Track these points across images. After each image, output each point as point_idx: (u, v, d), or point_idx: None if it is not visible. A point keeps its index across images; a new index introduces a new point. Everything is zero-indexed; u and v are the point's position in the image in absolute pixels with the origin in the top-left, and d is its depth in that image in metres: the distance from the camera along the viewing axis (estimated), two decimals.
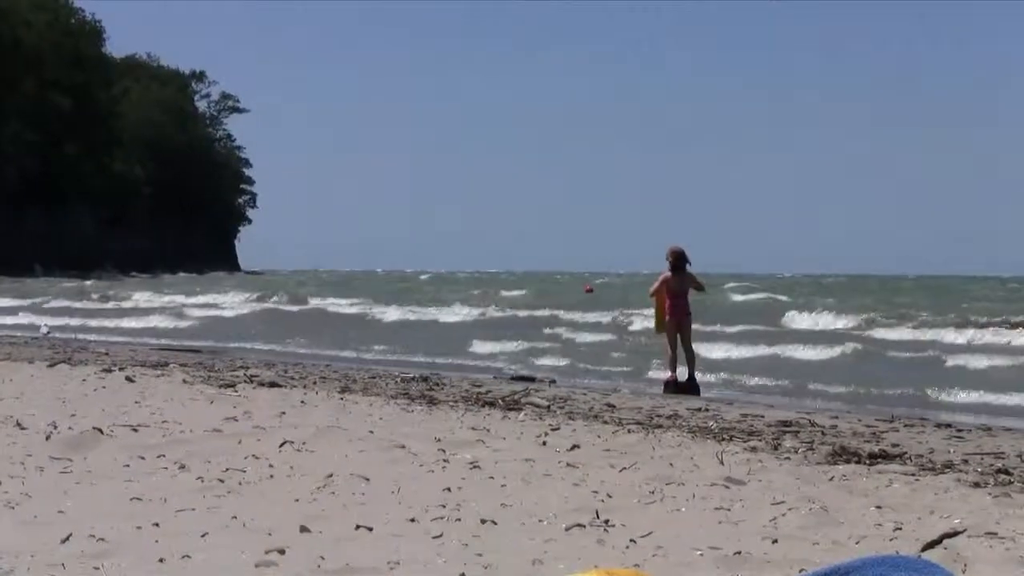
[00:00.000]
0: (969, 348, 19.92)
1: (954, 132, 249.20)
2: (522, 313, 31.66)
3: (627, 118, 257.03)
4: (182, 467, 6.46)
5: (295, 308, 36.31)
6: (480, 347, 20.97)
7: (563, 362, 18.67)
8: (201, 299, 40.92)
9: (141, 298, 41.41)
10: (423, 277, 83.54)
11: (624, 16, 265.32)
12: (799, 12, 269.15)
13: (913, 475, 6.86)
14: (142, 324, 29.20)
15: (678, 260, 14.29)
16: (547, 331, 24.61)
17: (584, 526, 5.15)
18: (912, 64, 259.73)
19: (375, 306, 34.80)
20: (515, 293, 45.69)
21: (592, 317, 28.69)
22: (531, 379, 14.82)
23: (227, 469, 6.41)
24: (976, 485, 6.53)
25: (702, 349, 16.61)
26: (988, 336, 22.03)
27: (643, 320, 26.32)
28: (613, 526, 5.17)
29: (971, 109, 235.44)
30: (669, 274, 14.32)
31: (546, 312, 30.87)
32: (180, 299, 40.59)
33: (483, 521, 5.22)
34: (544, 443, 7.90)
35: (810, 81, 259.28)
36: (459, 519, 5.27)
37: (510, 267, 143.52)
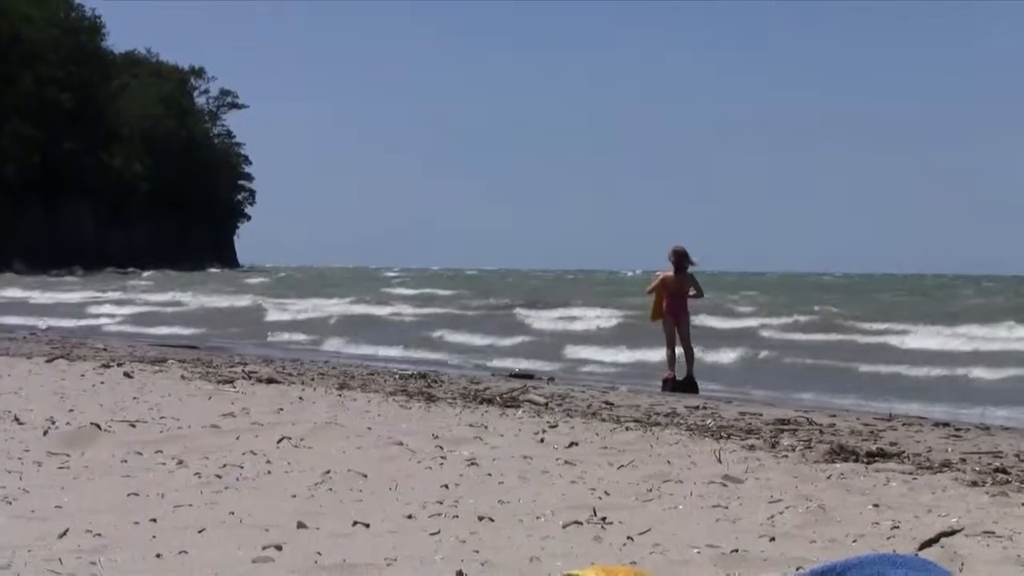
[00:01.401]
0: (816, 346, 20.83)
1: (958, 133, 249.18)
2: (419, 310, 32.43)
3: (627, 120, 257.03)
4: (180, 463, 6.46)
5: (225, 304, 36.24)
6: (332, 344, 22.62)
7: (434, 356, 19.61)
8: (117, 295, 40.66)
9: (71, 296, 40.78)
10: (390, 274, 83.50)
11: (626, 17, 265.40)
12: (797, 14, 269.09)
13: (911, 474, 6.86)
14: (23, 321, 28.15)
15: (681, 260, 14.37)
16: (425, 334, 24.99)
17: (582, 523, 5.15)
18: (912, 64, 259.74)
19: (288, 303, 35.48)
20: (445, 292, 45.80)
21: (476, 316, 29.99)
22: (529, 376, 14.85)
23: (224, 465, 6.41)
24: (974, 484, 6.54)
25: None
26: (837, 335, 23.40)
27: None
28: (611, 523, 5.17)
29: (974, 109, 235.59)
30: (671, 273, 14.39)
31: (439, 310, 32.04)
32: (93, 294, 40.65)
33: (480, 518, 5.21)
34: (542, 440, 7.91)
35: (811, 82, 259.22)
36: (456, 516, 5.27)
37: (513, 265, 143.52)
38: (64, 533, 4.68)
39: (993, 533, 5.10)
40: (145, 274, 72.02)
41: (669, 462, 7.04)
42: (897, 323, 24.61)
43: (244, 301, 37.14)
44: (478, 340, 23.10)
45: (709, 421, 9.63)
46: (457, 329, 25.07)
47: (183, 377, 11.66)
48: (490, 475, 6.38)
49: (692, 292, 14.46)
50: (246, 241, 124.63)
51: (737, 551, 4.70)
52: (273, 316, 31.39)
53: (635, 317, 26.83)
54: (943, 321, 24.45)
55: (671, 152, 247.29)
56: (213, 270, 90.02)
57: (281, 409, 9.07)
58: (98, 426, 7.50)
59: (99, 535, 4.69)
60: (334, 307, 33.57)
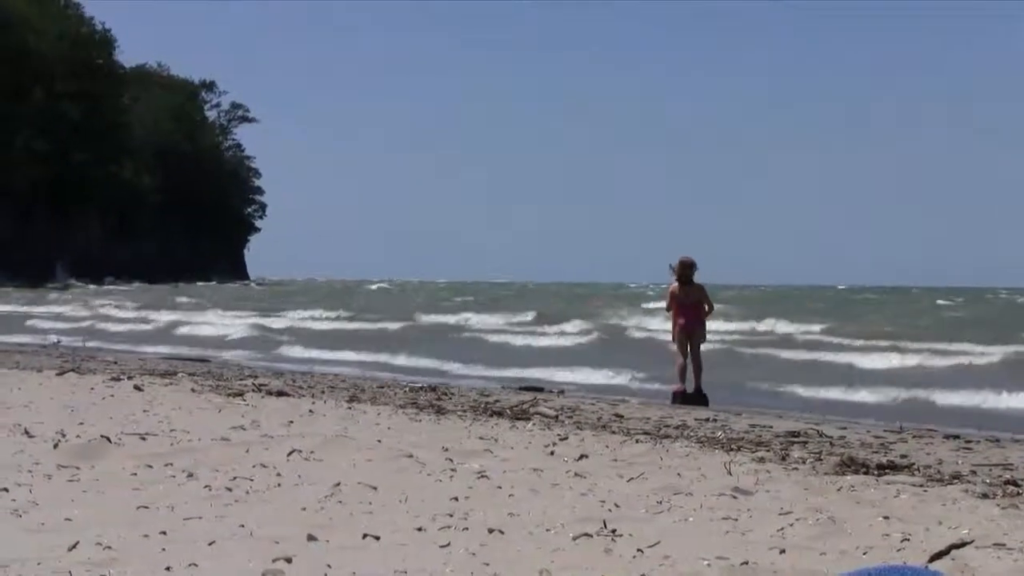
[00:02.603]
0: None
1: (968, 134, 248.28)
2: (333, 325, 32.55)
3: (636, 125, 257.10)
4: (190, 475, 6.46)
5: (166, 318, 35.66)
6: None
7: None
8: (49, 309, 40.43)
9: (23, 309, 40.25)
10: (373, 288, 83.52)
11: (626, 18, 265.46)
12: (798, 16, 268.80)
13: (921, 486, 6.84)
14: None
15: (685, 271, 14.32)
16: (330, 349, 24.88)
17: (592, 536, 5.15)
18: (916, 65, 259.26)
19: (219, 315, 35.56)
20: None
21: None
22: (539, 389, 14.83)
23: (235, 478, 6.41)
24: (984, 496, 6.52)
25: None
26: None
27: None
28: (620, 536, 5.16)
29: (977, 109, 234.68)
30: (676, 285, 14.34)
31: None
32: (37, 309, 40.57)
33: (490, 530, 5.21)
34: (552, 453, 7.90)
35: (816, 88, 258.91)
36: (466, 528, 5.27)
37: (530, 277, 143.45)
38: (74, 546, 4.69)
39: (1004, 545, 5.08)
40: (109, 287, 71.35)
41: (679, 474, 7.03)
42: (834, 337, 24.61)
43: (177, 314, 36.73)
44: (374, 357, 21.94)
45: (719, 433, 9.62)
46: (364, 344, 24.41)
47: (193, 390, 11.68)
48: (500, 488, 6.38)
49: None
50: (258, 254, 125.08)
51: (747, 563, 4.69)
52: (183, 330, 30.72)
53: (585, 332, 27.14)
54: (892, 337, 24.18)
55: (683, 161, 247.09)
56: (213, 282, 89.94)
57: (291, 422, 9.07)
58: (108, 439, 7.51)
59: (109, 548, 4.70)
60: (271, 320, 33.52)
